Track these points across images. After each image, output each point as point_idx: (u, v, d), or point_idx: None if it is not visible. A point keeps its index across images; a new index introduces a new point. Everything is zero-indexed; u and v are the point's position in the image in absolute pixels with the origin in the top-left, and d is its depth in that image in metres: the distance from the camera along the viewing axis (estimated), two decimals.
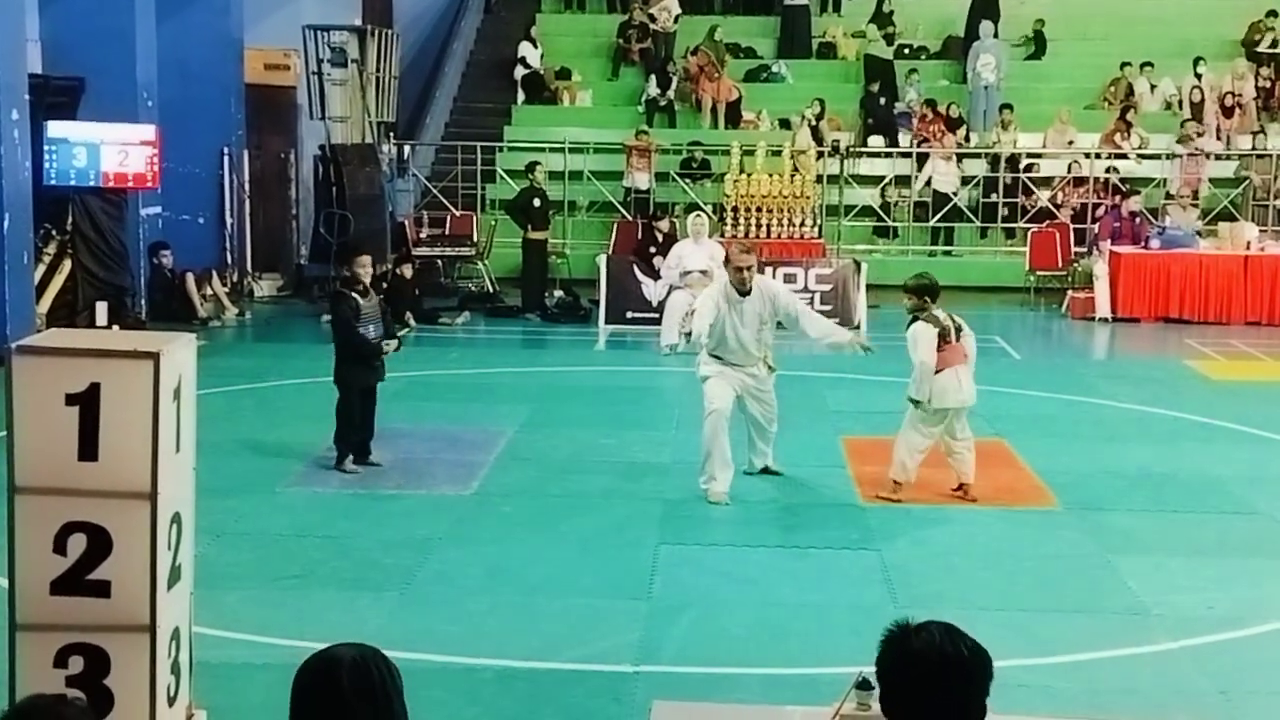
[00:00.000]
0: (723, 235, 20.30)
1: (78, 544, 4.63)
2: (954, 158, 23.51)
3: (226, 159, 20.58)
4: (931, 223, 23.41)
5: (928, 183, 23.42)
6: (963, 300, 21.34)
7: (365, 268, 11.27)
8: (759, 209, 21.28)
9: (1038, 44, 26.64)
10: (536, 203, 20.10)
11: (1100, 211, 21.93)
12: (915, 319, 10.39)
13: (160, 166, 17.51)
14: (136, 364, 4.62)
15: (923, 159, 23.54)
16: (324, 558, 9.14)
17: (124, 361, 4.64)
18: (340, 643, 3.40)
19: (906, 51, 26.58)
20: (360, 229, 20.53)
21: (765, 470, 11.25)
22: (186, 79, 19.48)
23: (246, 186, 21.15)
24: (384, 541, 9.47)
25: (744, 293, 10.54)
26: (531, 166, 20.59)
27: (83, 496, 4.63)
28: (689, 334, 11.14)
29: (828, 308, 18.73)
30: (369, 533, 9.67)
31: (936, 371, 10.22)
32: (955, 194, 23.29)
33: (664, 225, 19.62)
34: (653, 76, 25.37)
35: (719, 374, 10.67)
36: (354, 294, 11.06)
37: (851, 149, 23.85)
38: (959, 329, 10.42)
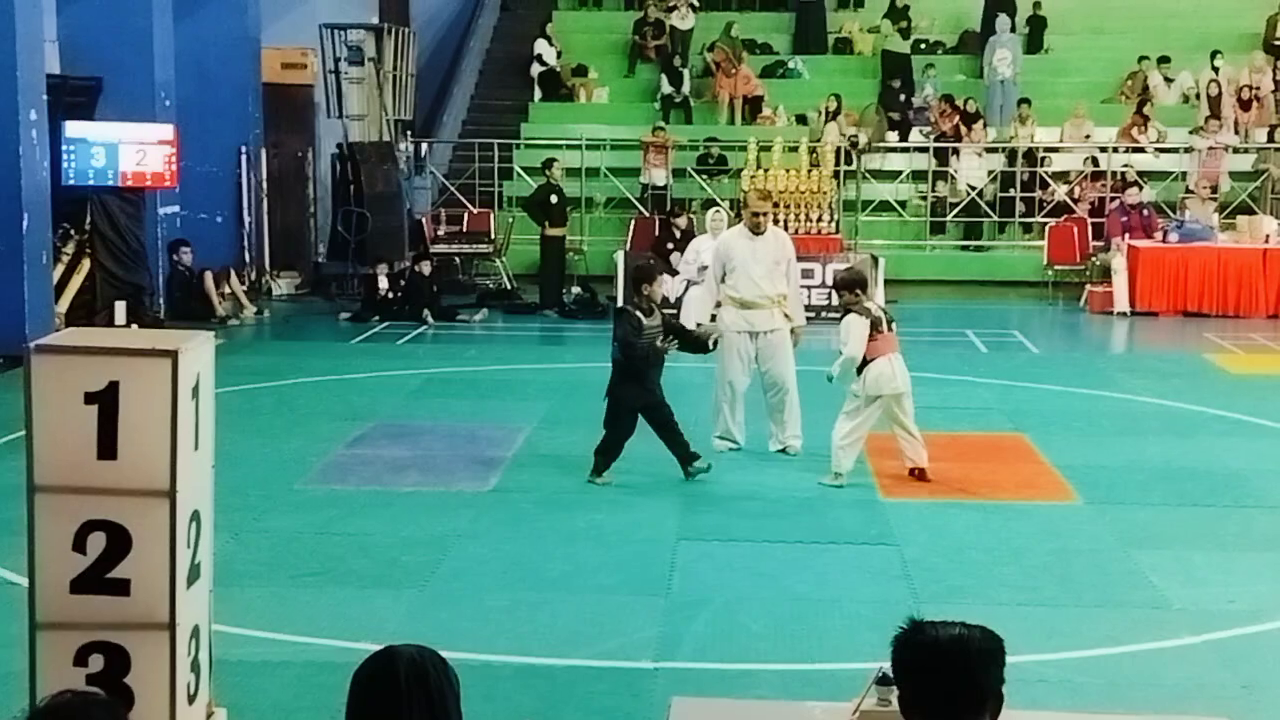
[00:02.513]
0: None
1: (97, 542, 4.63)
2: (982, 152, 23.46)
3: (244, 158, 20.63)
4: (949, 217, 23.39)
5: (948, 179, 23.38)
6: (982, 294, 21.44)
7: (660, 287, 11.24)
8: (776, 204, 21.24)
9: (1034, 36, 26.46)
10: (554, 199, 20.11)
11: (1113, 206, 21.86)
12: (848, 311, 10.74)
13: (178, 166, 17.56)
14: (155, 362, 4.62)
15: (941, 154, 23.50)
16: (343, 555, 9.15)
17: (142, 360, 4.64)
18: (403, 644, 3.63)
19: (923, 46, 26.53)
20: (378, 226, 20.61)
21: (782, 451, 11.58)
22: (204, 78, 19.54)
23: (264, 185, 21.20)
24: (403, 539, 9.48)
25: (758, 233, 11.61)
26: (549, 163, 20.59)
27: (102, 495, 4.63)
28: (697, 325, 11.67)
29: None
30: (388, 530, 9.68)
31: (871, 360, 10.55)
32: (981, 189, 23.24)
33: (681, 221, 19.64)
34: (664, 75, 25.36)
35: (726, 344, 11.46)
36: (638, 312, 10.91)
37: (871, 144, 23.82)
38: (890, 320, 10.84)
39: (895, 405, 10.75)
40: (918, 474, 10.92)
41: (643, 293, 10.85)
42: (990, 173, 23.44)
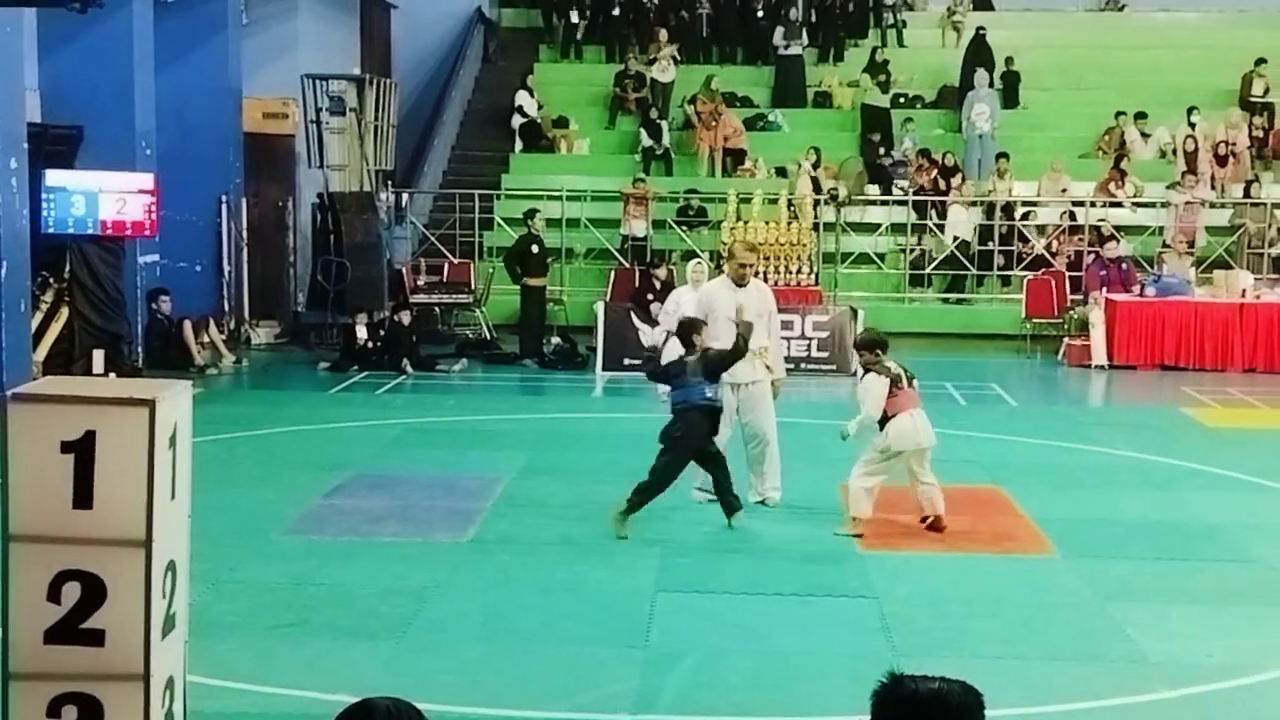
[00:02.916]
0: None
1: (72, 592, 4.61)
2: (971, 205, 23.58)
3: (224, 207, 20.65)
4: (929, 270, 23.51)
5: (927, 232, 23.51)
6: (960, 347, 21.50)
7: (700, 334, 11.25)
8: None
9: (1012, 91, 26.67)
10: (534, 250, 20.15)
11: (1090, 260, 22.00)
12: (868, 371, 10.90)
13: (158, 215, 17.54)
14: (132, 411, 4.61)
15: (919, 207, 23.64)
16: (320, 606, 9.10)
17: (120, 409, 4.64)
18: (379, 696, 3.51)
19: (902, 101, 26.71)
20: (357, 276, 20.61)
21: (761, 503, 11.54)
22: (185, 128, 19.56)
23: (244, 234, 21.20)
24: (380, 589, 9.43)
25: (741, 285, 11.73)
26: (531, 214, 20.65)
27: (77, 544, 4.61)
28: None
29: (824, 354, 18.80)
30: (365, 581, 9.63)
31: (892, 416, 10.63)
32: (970, 241, 23.35)
33: (661, 272, 19.68)
34: (643, 129, 25.50)
35: None
36: (689, 359, 11.00)
37: (850, 197, 23.95)
38: (910, 376, 10.92)
39: (914, 460, 10.83)
40: (932, 522, 10.92)
41: (694, 344, 11.05)
42: (974, 226, 23.57)
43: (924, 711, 3.26)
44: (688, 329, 11.20)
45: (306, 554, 10.28)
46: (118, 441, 4.59)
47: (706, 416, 10.89)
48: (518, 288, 20.29)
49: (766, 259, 21.16)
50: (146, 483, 4.60)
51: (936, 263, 23.42)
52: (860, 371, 11.07)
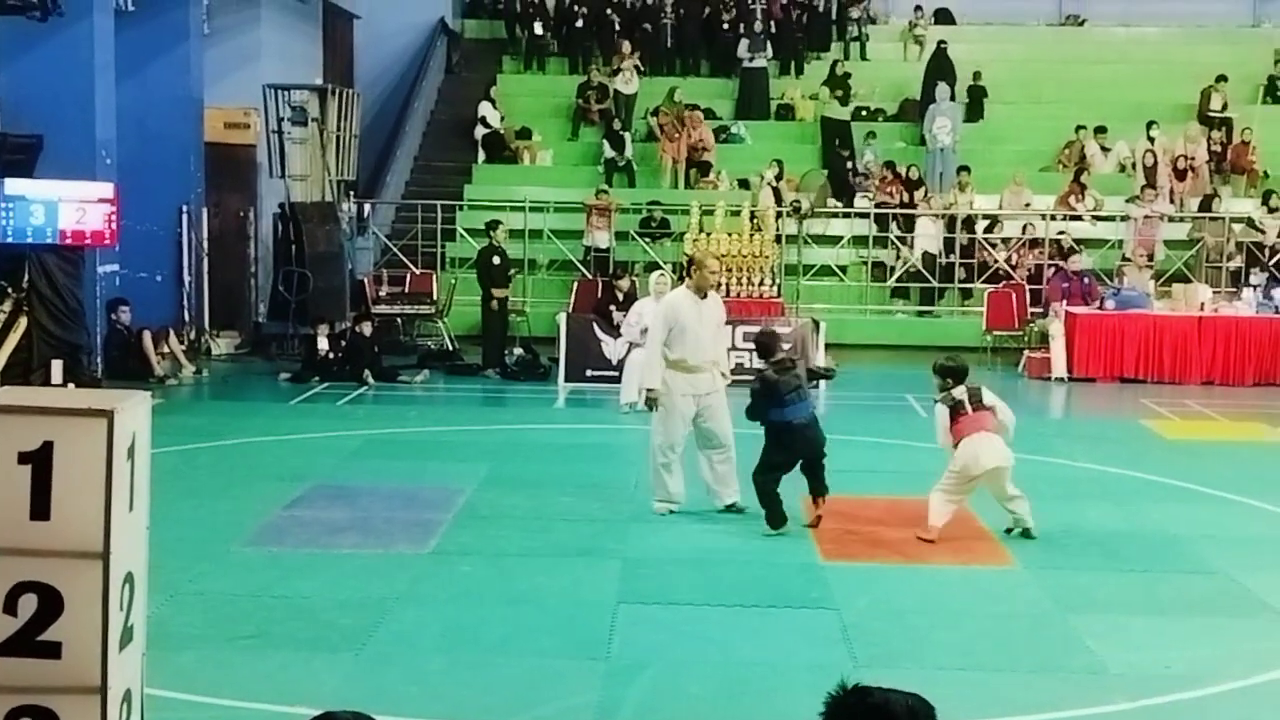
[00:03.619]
0: None
1: (28, 604, 4.57)
2: (940, 218, 23.67)
3: (185, 217, 20.54)
4: (890, 282, 23.61)
5: (888, 244, 23.60)
6: (922, 358, 21.49)
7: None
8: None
9: (974, 105, 26.83)
10: (497, 260, 20.13)
11: (1051, 272, 22.14)
12: (937, 401, 11.20)
13: (118, 224, 17.40)
14: (90, 422, 4.58)
15: (881, 220, 23.73)
16: (279, 618, 9.06)
17: (78, 420, 4.60)
18: (341, 709, 3.52)
19: (864, 114, 26.82)
20: (319, 287, 20.55)
21: (730, 508, 11.64)
22: (146, 137, 19.46)
23: (205, 244, 21.10)
24: (340, 601, 9.39)
25: (703, 295, 11.78)
26: (493, 225, 20.61)
27: (34, 556, 4.56)
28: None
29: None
30: (325, 592, 9.59)
31: (956, 444, 10.90)
32: (938, 254, 23.45)
33: (624, 284, 19.68)
34: (605, 140, 25.53)
35: (669, 408, 11.58)
36: (771, 371, 11.18)
37: (814, 209, 24.02)
38: (977, 400, 11.08)
39: (990, 482, 11.01)
40: (1022, 532, 11.17)
41: (779, 356, 11.32)
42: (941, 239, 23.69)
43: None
44: (772, 341, 11.55)
45: (266, 565, 10.23)
46: (76, 452, 4.55)
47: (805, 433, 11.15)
48: (479, 299, 20.26)
49: (729, 270, 21.21)
50: (104, 494, 4.57)
51: (898, 275, 23.51)
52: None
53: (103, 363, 18.11)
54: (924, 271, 23.34)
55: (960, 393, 11.05)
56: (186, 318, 20.71)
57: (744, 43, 27.10)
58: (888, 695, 3.32)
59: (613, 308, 18.93)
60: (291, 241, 20.70)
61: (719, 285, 20.91)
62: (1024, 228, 23.75)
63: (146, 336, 18.61)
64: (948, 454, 11.07)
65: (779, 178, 24.22)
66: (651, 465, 11.94)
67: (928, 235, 23.57)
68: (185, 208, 20.54)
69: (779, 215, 22.98)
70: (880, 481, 12.85)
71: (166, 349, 19.05)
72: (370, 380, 18.53)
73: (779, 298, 21.69)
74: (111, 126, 18.25)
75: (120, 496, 4.63)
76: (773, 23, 27.79)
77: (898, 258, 23.78)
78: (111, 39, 18.22)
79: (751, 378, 12.16)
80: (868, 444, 14.72)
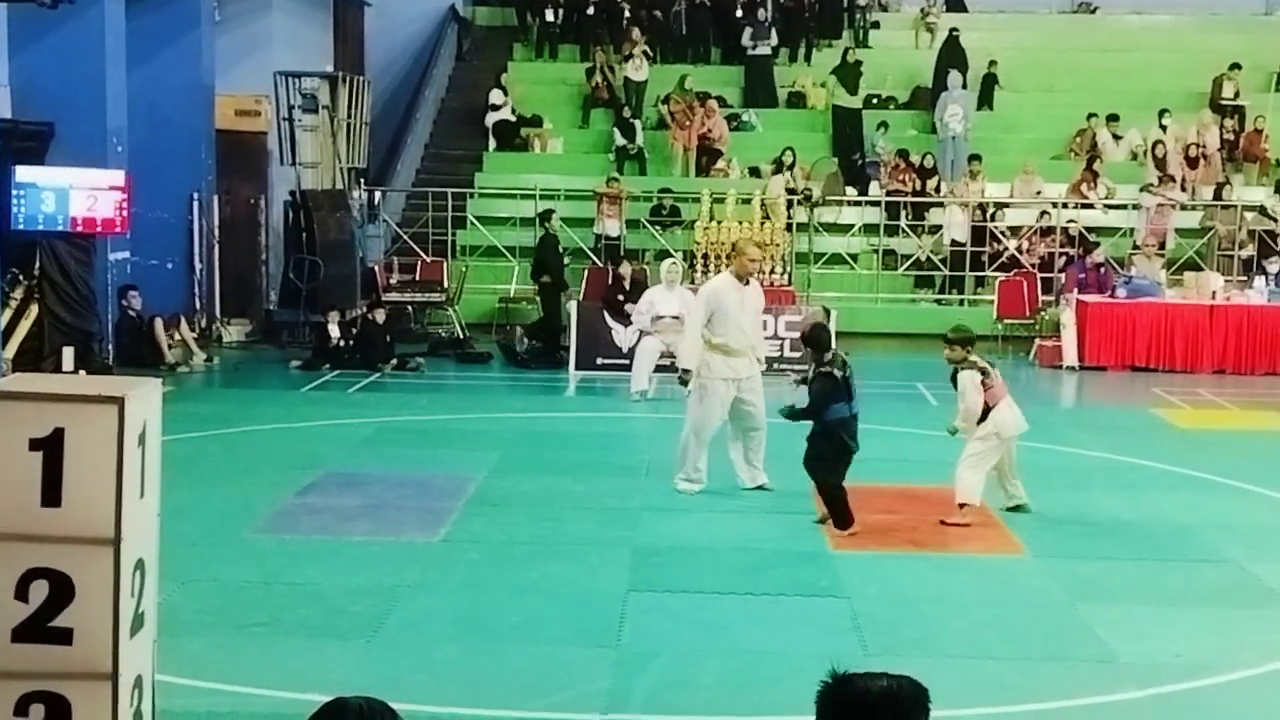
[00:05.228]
0: (693, 282, 20.32)
1: (40, 590, 4.58)
2: (966, 207, 23.60)
3: (196, 204, 20.57)
4: (901, 270, 23.58)
5: (924, 233, 23.56)
6: (933, 346, 21.48)
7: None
8: (729, 256, 21.32)
9: (985, 93, 26.74)
10: (560, 249, 20.24)
11: (1064, 262, 22.09)
12: (958, 368, 11.26)
13: (129, 212, 17.45)
14: (101, 409, 4.59)
15: (892, 208, 23.69)
16: (291, 605, 9.07)
17: (89, 406, 4.61)
18: (352, 696, 3.51)
19: (875, 102, 26.75)
20: (330, 274, 20.57)
21: (760, 487, 11.93)
22: (157, 124, 19.48)
23: (216, 232, 21.13)
24: (351, 588, 9.40)
25: (745, 282, 12.09)
26: (548, 215, 20.71)
27: (46, 543, 4.58)
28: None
29: (797, 354, 18.79)
30: (336, 579, 9.60)
31: (992, 407, 11.10)
32: (964, 242, 23.39)
33: (625, 270, 19.54)
34: (616, 128, 25.50)
35: (707, 389, 11.78)
36: (832, 369, 11.11)
37: (825, 198, 23.98)
38: (993, 367, 11.45)
39: (1007, 450, 11.29)
40: (1017, 509, 11.46)
41: (828, 348, 11.35)
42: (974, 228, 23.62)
43: (869, 709, 3.28)
44: (823, 335, 11.54)
45: (278, 553, 10.25)
46: (87, 439, 4.56)
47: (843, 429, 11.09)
48: (490, 286, 20.23)
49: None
50: (116, 481, 4.58)
51: (914, 262, 23.47)
52: (951, 369, 11.35)
53: (114, 350, 18.16)
54: (937, 262, 23.26)
55: (980, 360, 11.28)
56: (198, 305, 20.74)
57: (748, 30, 27.01)
58: (867, 684, 3.33)
59: (621, 296, 18.88)
60: (302, 229, 20.72)
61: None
62: (1040, 214, 23.65)
63: (158, 324, 18.64)
64: (967, 426, 11.21)
65: (791, 166, 24.17)
66: (681, 443, 12.08)
67: (957, 224, 23.49)
68: (196, 195, 20.55)
69: (790, 204, 22.94)
70: (890, 470, 12.83)
71: (178, 336, 19.10)
72: (383, 369, 18.54)
73: (790, 286, 21.65)
74: (122, 114, 18.28)
75: (131, 483, 4.64)
76: (783, 11, 27.70)
77: (919, 247, 23.67)
78: (122, 26, 18.25)
79: (794, 371, 12.34)
80: (878, 432, 14.64)
